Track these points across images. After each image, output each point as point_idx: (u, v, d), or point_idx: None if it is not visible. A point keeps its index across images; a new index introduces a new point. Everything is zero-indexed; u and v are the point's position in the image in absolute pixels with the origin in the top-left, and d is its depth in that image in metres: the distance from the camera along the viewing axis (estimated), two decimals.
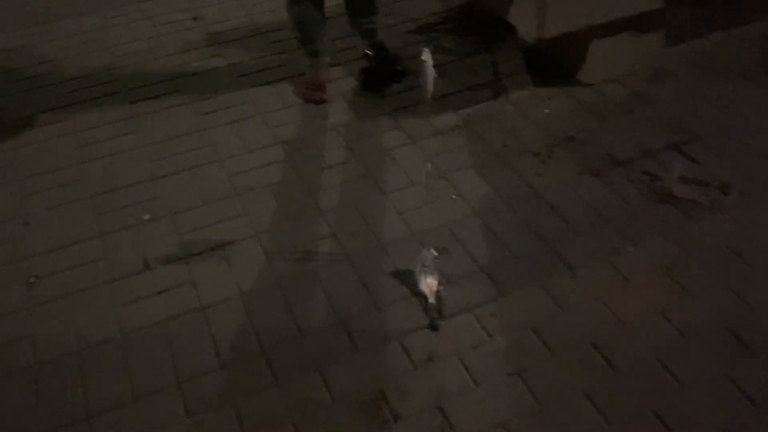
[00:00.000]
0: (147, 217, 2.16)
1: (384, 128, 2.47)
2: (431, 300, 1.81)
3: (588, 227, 2.01)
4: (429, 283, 1.83)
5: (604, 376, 1.62)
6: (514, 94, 2.59)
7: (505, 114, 2.50)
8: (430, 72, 2.16)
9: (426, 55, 2.16)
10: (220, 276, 1.95)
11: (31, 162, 2.42)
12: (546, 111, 2.50)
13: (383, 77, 2.71)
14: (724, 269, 1.86)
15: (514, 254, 1.95)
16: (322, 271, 1.95)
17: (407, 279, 1.88)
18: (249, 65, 2.87)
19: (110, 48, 3.01)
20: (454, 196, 2.16)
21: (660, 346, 1.67)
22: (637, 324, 1.73)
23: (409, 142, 2.39)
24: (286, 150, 2.40)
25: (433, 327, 1.77)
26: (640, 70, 2.63)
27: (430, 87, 2.19)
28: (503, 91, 2.61)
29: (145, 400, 1.64)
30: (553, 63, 2.72)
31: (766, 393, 1.55)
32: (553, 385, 1.61)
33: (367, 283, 1.90)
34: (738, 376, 1.59)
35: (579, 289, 1.83)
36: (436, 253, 1.85)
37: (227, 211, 2.16)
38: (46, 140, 2.52)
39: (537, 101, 2.55)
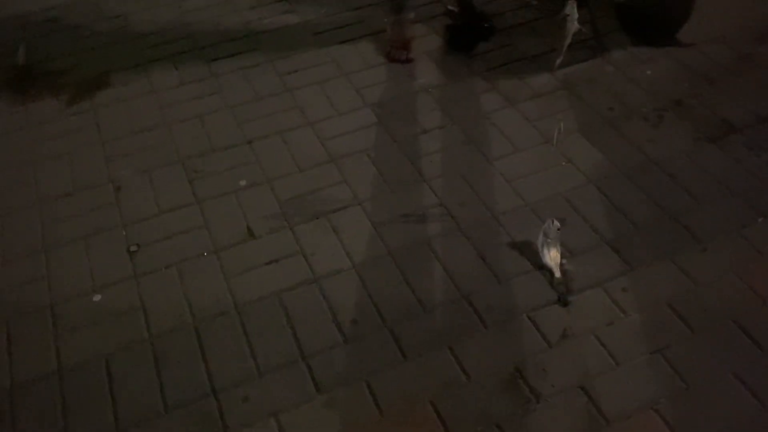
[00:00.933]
0: (243, 183, 2.07)
1: (479, 90, 2.36)
2: (557, 274, 1.74)
3: (712, 197, 1.92)
4: (553, 256, 1.76)
5: (752, 356, 1.56)
6: (613, 54, 2.46)
7: (605, 75, 2.38)
8: (572, 27, 2.11)
9: (570, 9, 2.09)
10: (329, 246, 1.88)
11: (112, 123, 2.33)
12: (648, 72, 2.38)
13: (470, 35, 2.57)
14: None
15: (637, 226, 1.86)
16: (436, 242, 1.87)
17: (527, 251, 1.81)
18: (324, 22, 2.74)
19: (179, 2, 2.87)
20: (564, 163, 2.06)
21: None
22: None
23: (508, 105, 2.28)
24: (378, 113, 2.30)
25: (564, 302, 1.70)
26: (746, 29, 2.49)
27: (568, 40, 2.25)
28: (601, 50, 2.48)
29: (272, 375, 1.59)
30: (649, 20, 2.57)
31: None
32: (699, 365, 1.55)
33: (485, 255, 1.82)
34: None
35: (711, 263, 1.75)
36: (559, 225, 1.77)
37: (326, 178, 2.08)
38: (124, 100, 2.42)
39: (637, 62, 2.42)
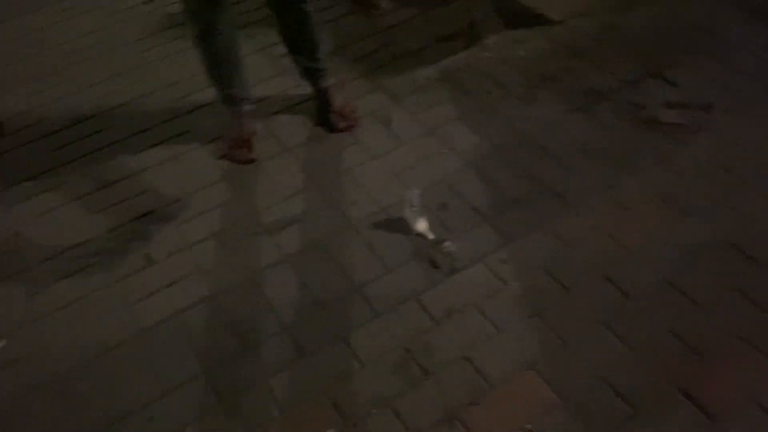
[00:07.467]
0: (141, 211, 2.12)
1: (364, 91, 2.44)
2: (430, 236, 1.86)
3: (582, 163, 2.03)
4: (422, 222, 1.89)
5: (619, 305, 1.67)
6: (489, 40, 2.58)
7: (482, 61, 2.49)
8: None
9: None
10: (226, 261, 1.94)
11: (7, 170, 2.35)
12: (522, 53, 2.50)
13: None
14: (719, 187, 1.91)
15: (514, 200, 1.97)
16: (330, 242, 1.94)
17: (413, 238, 1.90)
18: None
19: (68, 43, 2.90)
20: (445, 151, 2.16)
21: (669, 269, 1.72)
22: (642, 251, 1.78)
23: (392, 101, 2.38)
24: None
25: (435, 265, 1.81)
26: (607, 1, 2.63)
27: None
28: (478, 38, 2.59)
29: (175, 392, 1.64)
30: (522, 3, 2.70)
31: None
32: (573, 321, 1.66)
33: (375, 247, 1.91)
34: (746, 286, 1.66)
35: (583, 225, 1.87)
36: (419, 191, 1.88)
37: (217, 197, 2.14)
38: (18, 147, 2.44)
39: (511, 44, 2.54)
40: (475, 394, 1.55)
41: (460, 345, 1.64)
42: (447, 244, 1.87)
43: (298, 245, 1.95)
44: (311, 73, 2.26)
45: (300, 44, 2.19)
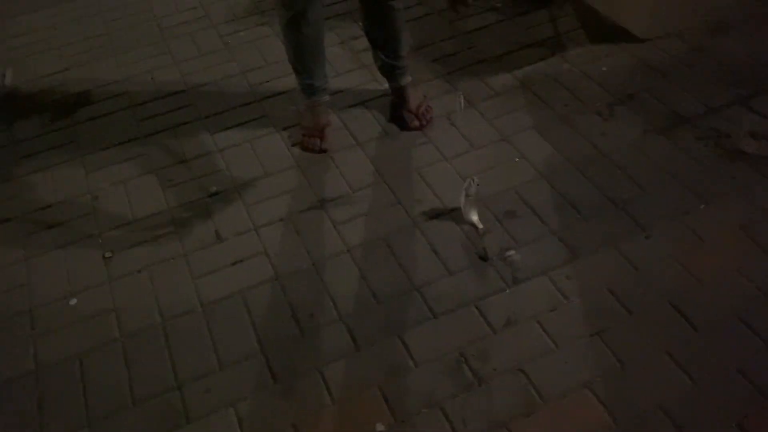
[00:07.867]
0: (213, 189, 2.18)
1: (440, 92, 2.45)
2: (480, 226, 1.88)
3: (658, 187, 1.99)
4: (475, 213, 1.92)
5: (685, 335, 1.63)
6: (571, 52, 2.54)
7: (562, 73, 2.46)
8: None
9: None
10: (290, 246, 1.98)
11: (92, 136, 2.46)
12: (604, 68, 2.45)
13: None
14: None
15: (584, 216, 1.94)
16: (392, 239, 1.96)
17: (476, 241, 1.90)
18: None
19: (158, 19, 3.01)
20: (517, 159, 2.14)
21: (740, 305, 1.66)
22: (715, 283, 1.72)
23: (467, 105, 2.37)
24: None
25: (483, 258, 1.83)
26: (699, 22, 2.56)
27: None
28: (560, 49, 2.56)
29: (233, 367, 1.69)
30: (608, 18, 2.66)
31: None
32: (634, 345, 1.62)
33: (438, 249, 1.91)
34: None
35: (653, 250, 1.83)
36: (478, 182, 1.88)
37: (287, 183, 2.18)
38: (105, 114, 2.55)
39: (594, 58, 2.50)
40: (527, 406, 1.54)
41: (516, 356, 1.63)
42: (511, 252, 1.86)
43: (361, 238, 1.97)
44: (390, 70, 2.28)
45: (383, 40, 2.21)
